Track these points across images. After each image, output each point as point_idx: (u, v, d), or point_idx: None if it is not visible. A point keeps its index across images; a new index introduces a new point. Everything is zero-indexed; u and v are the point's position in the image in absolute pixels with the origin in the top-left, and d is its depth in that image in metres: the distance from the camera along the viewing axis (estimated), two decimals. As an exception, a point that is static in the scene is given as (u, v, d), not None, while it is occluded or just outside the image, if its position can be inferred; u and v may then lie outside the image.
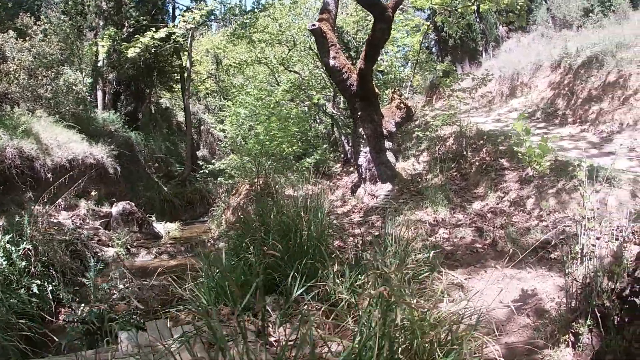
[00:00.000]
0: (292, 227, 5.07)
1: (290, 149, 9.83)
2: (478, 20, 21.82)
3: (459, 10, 11.08)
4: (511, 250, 5.90)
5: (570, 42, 13.42)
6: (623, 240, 4.98)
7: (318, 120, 16.89)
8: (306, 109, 17.21)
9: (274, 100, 10.73)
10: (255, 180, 8.32)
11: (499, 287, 4.83)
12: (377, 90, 9.99)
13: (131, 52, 12.19)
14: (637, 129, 9.46)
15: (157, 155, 15.43)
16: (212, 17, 18.52)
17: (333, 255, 5.03)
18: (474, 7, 11.71)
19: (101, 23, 15.06)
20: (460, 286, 4.71)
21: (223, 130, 9.86)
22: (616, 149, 8.91)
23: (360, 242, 6.04)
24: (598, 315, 3.12)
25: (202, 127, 20.55)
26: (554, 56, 13.54)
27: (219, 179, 10.29)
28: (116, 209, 10.19)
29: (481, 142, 9.90)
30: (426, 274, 4.55)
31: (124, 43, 12.80)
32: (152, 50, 13.78)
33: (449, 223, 7.26)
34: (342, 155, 14.28)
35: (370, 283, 3.46)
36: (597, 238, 6.11)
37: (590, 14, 16.06)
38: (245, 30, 14.58)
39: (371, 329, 2.76)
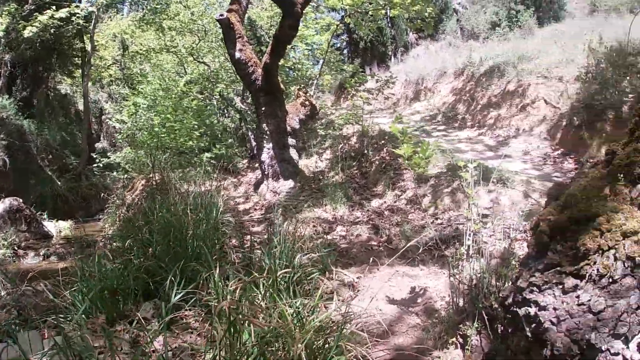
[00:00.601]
0: (176, 227, 4.54)
1: (190, 143, 9.18)
2: (390, 25, 22.17)
3: (370, 13, 11.00)
4: (405, 247, 5.79)
5: (475, 52, 13.90)
6: (514, 239, 5.00)
7: (227, 115, 16.25)
8: (215, 102, 16.55)
9: (176, 91, 9.99)
10: (151, 175, 7.62)
11: (391, 285, 4.65)
12: (283, 86, 9.63)
13: (28, 32, 10.89)
14: (532, 134, 9.87)
15: (52, 146, 13.96)
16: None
17: (222, 257, 4.57)
18: (384, 12, 11.70)
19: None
20: (351, 285, 4.45)
21: (121, 121, 8.95)
22: (511, 152, 9.21)
23: (253, 241, 5.62)
24: (485, 317, 2.94)
25: (103, 117, 19.02)
26: (459, 64, 13.97)
27: (114, 173, 9.38)
28: (2, 205, 9.00)
29: (382, 142, 9.88)
30: (316, 274, 4.24)
31: (22, 22, 11.41)
32: (52, 30, 12.43)
33: (347, 220, 7.07)
34: (249, 151, 13.81)
35: (238, 290, 3.07)
36: (490, 236, 6.18)
37: (497, 28, 16.75)
38: (155, 16, 13.65)
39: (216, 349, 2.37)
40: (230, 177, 12.78)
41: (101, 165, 8.89)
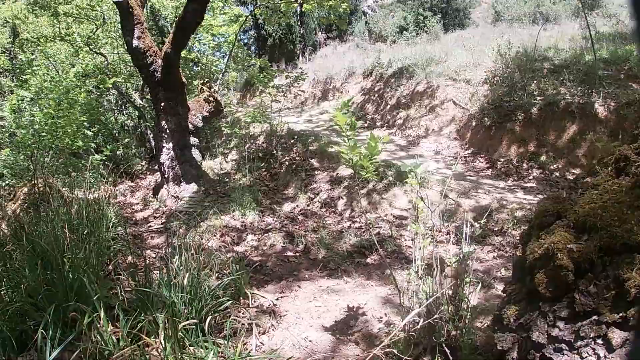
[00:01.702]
0: (49, 252, 3.43)
1: (79, 143, 7.77)
2: (299, 23, 21.44)
3: (282, 6, 10.16)
4: (325, 257, 5.08)
5: (384, 54, 13.62)
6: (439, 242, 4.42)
7: (124, 112, 14.56)
8: (112, 98, 14.78)
9: (65, 83, 8.44)
10: (33, 182, 6.21)
11: (317, 305, 3.90)
12: (185, 80, 8.52)
13: None
14: (442, 134, 9.61)
15: None
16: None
17: (111, 289, 3.53)
18: (297, 5, 10.91)
19: None
20: (271, 312, 3.62)
21: (0, 118, 7.33)
22: (423, 152, 8.86)
23: (148, 263, 4.59)
24: (447, 351, 2.28)
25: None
26: (367, 65, 13.60)
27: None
28: None
29: (292, 141, 9.15)
30: (229, 302, 3.38)
31: None
32: None
33: (258, 228, 6.26)
34: (149, 152, 12.38)
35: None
36: (412, 239, 5.64)
37: (405, 32, 16.66)
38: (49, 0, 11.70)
39: None
40: (127, 180, 11.34)
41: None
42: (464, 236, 2.73)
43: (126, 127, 14.10)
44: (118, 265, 4.85)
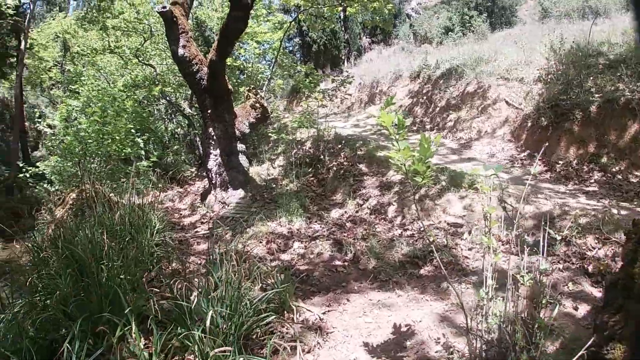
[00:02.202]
0: (85, 260, 3.25)
1: (127, 150, 7.76)
2: (343, 29, 21.17)
3: (325, 9, 9.88)
4: (375, 267, 4.70)
5: (431, 55, 13.10)
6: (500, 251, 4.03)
7: (173, 120, 14.72)
8: (162, 107, 14.98)
9: (112, 92, 8.48)
10: (81, 187, 6.18)
11: (367, 320, 3.53)
12: (231, 86, 8.36)
13: None
14: (495, 136, 9.03)
15: None
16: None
17: (148, 299, 3.30)
18: (340, 10, 10.62)
19: None
20: (318, 328, 3.28)
21: (50, 126, 7.40)
22: (476, 155, 8.33)
23: (188, 274, 4.37)
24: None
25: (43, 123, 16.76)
26: (414, 67, 13.10)
27: (43, 185, 7.75)
28: None
29: (339, 146, 8.81)
30: (272, 317, 3.06)
31: None
32: None
33: (305, 235, 5.94)
34: (198, 159, 12.38)
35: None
36: (470, 249, 5.18)
37: (451, 33, 16.06)
38: (98, 14, 11.97)
39: None
40: (177, 186, 11.35)
41: (27, 175, 7.27)
42: (541, 249, 2.29)
43: (176, 135, 14.24)
44: (160, 272, 4.67)
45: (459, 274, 4.53)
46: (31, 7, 13.05)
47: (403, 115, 8.04)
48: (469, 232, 5.41)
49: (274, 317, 3.13)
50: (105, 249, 3.52)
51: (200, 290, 3.08)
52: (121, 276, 3.60)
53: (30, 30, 14.61)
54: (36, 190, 8.22)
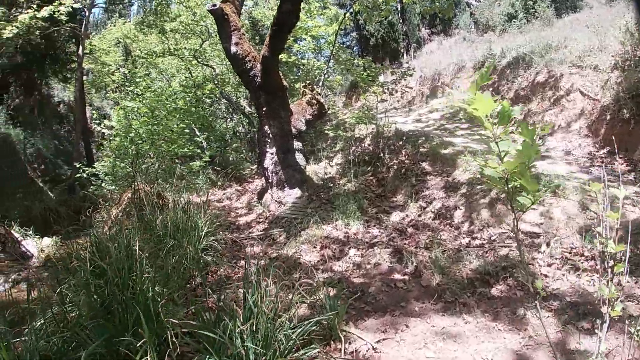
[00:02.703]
0: (110, 273, 2.89)
1: (182, 149, 7.53)
2: (401, 21, 20.21)
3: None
4: (440, 283, 4.06)
5: (494, 44, 12.02)
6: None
7: (233, 118, 14.62)
8: (223, 106, 14.94)
9: (168, 92, 8.30)
10: (135, 187, 5.98)
11: (428, 356, 2.94)
12: (286, 83, 7.93)
13: (8, 32, 9.35)
14: (570, 131, 8.02)
15: (45, 155, 12.34)
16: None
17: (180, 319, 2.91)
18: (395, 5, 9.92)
19: None
20: (370, 363, 2.75)
21: (110, 127, 7.37)
22: (550, 153, 7.40)
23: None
24: None
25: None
26: (478, 57, 12.07)
27: (101, 185, 7.72)
28: None
29: (400, 143, 8.15)
30: (315, 350, 2.55)
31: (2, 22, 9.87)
32: (37, 32, 10.84)
33: (362, 241, 5.37)
34: (258, 157, 12.12)
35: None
36: (550, 265, 4.41)
37: (514, 20, 14.80)
38: (156, 18, 12.04)
39: None
40: (236, 184, 11.12)
41: (85, 175, 7.25)
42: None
43: (237, 133, 14.12)
44: (204, 280, 4.29)
45: (535, 296, 3.82)
46: (86, 13, 13.32)
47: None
48: (547, 244, 4.63)
49: (317, 350, 2.61)
50: (139, 258, 3.16)
51: (230, 319, 2.61)
52: (155, 289, 3.25)
53: (90, 36, 15.02)
54: (94, 189, 8.24)
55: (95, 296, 2.95)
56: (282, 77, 7.86)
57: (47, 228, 9.24)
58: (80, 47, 13.04)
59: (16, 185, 9.79)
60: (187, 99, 8.21)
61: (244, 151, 13.08)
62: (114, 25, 18.33)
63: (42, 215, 9.43)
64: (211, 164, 12.27)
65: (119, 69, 14.81)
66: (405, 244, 5.09)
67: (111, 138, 7.24)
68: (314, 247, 5.50)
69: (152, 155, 6.97)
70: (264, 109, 7.73)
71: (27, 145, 11.49)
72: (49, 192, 10.32)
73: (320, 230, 5.83)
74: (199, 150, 7.83)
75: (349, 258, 5.01)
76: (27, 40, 11.62)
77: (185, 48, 12.71)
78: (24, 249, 7.70)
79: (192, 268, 4.43)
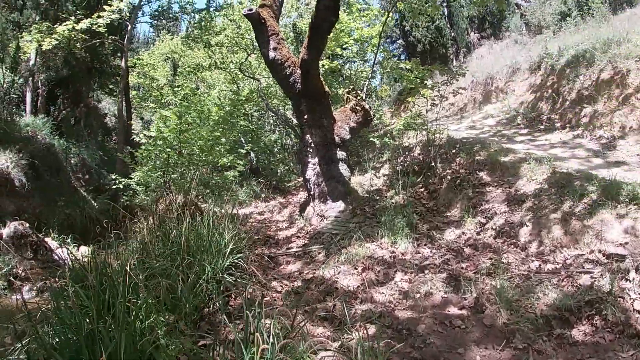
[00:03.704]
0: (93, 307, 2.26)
1: (223, 160, 6.94)
2: (449, 25, 19.04)
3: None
4: (507, 323, 3.13)
5: (549, 43, 10.75)
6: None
7: (279, 130, 14.10)
8: (271, 119, 14.48)
9: (204, 101, 7.78)
10: (169, 198, 5.43)
11: None
12: (327, 89, 7.20)
13: (47, 44, 9.23)
14: (643, 132, 6.75)
15: (89, 165, 12.28)
16: (158, 14, 15.53)
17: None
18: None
19: (37, 18, 11.99)
20: None
21: (149, 137, 6.96)
22: (624, 158, 6.20)
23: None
24: None
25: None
26: (533, 57, 10.80)
27: (131, 195, 7.27)
28: (7, 230, 7.13)
29: (453, 151, 7.18)
30: None
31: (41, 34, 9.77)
32: (77, 45, 10.77)
33: (411, 263, 4.47)
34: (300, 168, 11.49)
35: None
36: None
37: (568, 18, 13.40)
38: (201, 32, 11.75)
39: None
40: (280, 197, 10.48)
41: (121, 186, 6.85)
42: None
43: (285, 146, 13.58)
44: (222, 306, 3.55)
45: (631, 342, 2.82)
46: (129, 26, 13.27)
47: (524, 113, 6.08)
48: (637, 270, 3.58)
49: None
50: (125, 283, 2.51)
51: None
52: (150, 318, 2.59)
53: (139, 51, 14.98)
54: (126, 200, 7.82)
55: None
56: (323, 82, 7.14)
57: (86, 235, 8.94)
58: (123, 60, 12.98)
59: (59, 194, 9.62)
60: (227, 109, 7.65)
61: (290, 163, 12.50)
62: (162, 42, 18.47)
63: (82, 224, 9.18)
64: (256, 175, 11.76)
65: (167, 83, 14.70)
66: (462, 268, 4.15)
67: (142, 147, 6.82)
68: (355, 269, 4.67)
69: (184, 164, 6.42)
70: (306, 116, 7.03)
71: (71, 155, 11.42)
72: (92, 202, 10.13)
73: (363, 249, 5.00)
74: (239, 162, 7.22)
75: (395, 284, 4.14)
76: (71, 53, 11.62)
77: (231, 62, 12.33)
78: (57, 257, 7.33)
79: (211, 290, 3.73)
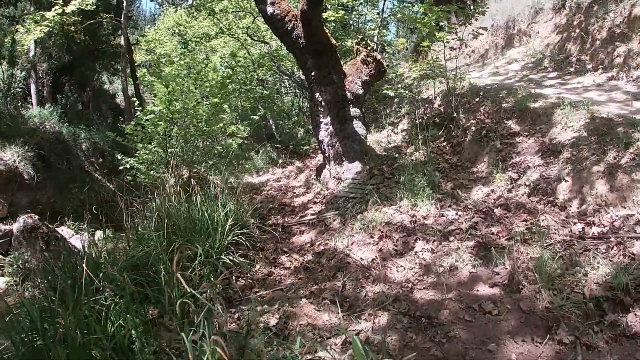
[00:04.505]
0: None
1: (231, 128, 6.32)
2: (464, -32, 17.44)
3: None
4: (549, 307, 2.49)
5: (574, -21, 9.43)
6: None
7: (298, 93, 13.34)
8: (286, 83, 13.72)
9: (204, 68, 7.04)
10: (177, 173, 4.89)
11: None
12: (334, 41, 6.40)
13: (39, 32, 8.61)
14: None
15: (102, 148, 11.90)
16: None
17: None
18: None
19: (32, 9, 11.42)
20: None
21: (152, 112, 6.37)
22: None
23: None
24: None
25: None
26: (557, -5, 9.52)
27: (135, 174, 6.79)
28: (17, 225, 6.82)
29: (477, 100, 6.34)
30: None
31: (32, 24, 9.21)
32: (72, 29, 10.19)
33: (434, 229, 3.82)
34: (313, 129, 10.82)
35: None
36: None
37: None
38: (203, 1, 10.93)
39: None
40: (298, 161, 9.87)
41: (127, 166, 6.36)
42: None
43: (303, 108, 12.88)
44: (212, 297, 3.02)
45: None
46: (124, 2, 12.54)
47: (552, 56, 5.05)
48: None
49: None
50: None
51: None
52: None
53: (146, 28, 14.26)
54: (130, 179, 7.40)
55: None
56: (328, 34, 6.34)
57: (104, 220, 8.61)
58: (122, 38, 12.33)
59: (72, 181, 9.34)
60: (222, 73, 6.93)
61: (308, 126, 11.81)
62: (166, 15, 17.68)
63: (97, 208, 8.87)
64: (272, 141, 11.16)
65: (177, 56, 14.04)
66: (492, 233, 3.48)
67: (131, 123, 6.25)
68: (371, 237, 4.08)
69: (184, 137, 5.84)
70: (313, 73, 6.29)
71: (81, 140, 11.08)
72: (108, 184, 9.83)
73: (380, 214, 4.38)
74: (240, 127, 6.59)
75: (415, 255, 3.53)
76: (70, 38, 11.08)
77: (238, 27, 11.52)
78: (71, 245, 7.00)
79: (205, 275, 3.21)
